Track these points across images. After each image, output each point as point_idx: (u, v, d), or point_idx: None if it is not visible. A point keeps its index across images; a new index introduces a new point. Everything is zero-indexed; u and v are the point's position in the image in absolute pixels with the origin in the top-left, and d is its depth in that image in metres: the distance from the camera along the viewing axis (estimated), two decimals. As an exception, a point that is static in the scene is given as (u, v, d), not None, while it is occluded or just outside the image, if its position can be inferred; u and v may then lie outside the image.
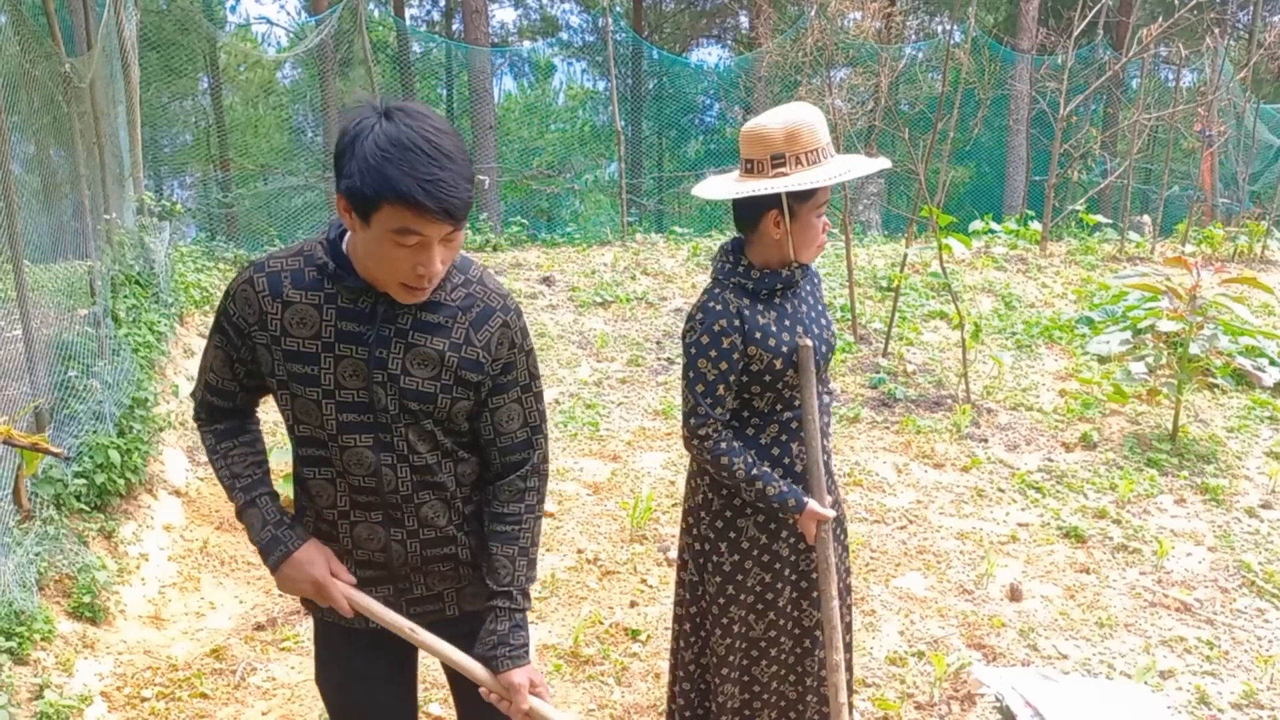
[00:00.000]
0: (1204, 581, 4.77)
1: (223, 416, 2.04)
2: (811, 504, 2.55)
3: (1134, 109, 11.95)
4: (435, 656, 2.00)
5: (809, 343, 2.54)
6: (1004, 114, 16.97)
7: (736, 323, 2.53)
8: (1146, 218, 13.73)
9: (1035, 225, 11.79)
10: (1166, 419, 6.63)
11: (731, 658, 2.82)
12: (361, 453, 1.87)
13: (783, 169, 2.52)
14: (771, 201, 2.52)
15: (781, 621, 2.80)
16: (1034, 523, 5.33)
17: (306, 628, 4.22)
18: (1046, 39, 12.29)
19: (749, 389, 2.59)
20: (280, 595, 4.51)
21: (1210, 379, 7.01)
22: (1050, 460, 6.11)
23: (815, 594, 2.76)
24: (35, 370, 4.49)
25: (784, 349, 2.56)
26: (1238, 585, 4.74)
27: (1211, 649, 4.17)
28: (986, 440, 6.33)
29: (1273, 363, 7.52)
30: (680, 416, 2.74)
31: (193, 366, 6.86)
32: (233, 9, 25.78)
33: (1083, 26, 10.84)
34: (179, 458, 5.63)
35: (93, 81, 5.74)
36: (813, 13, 9.29)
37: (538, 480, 2.06)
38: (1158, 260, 11.43)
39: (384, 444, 1.88)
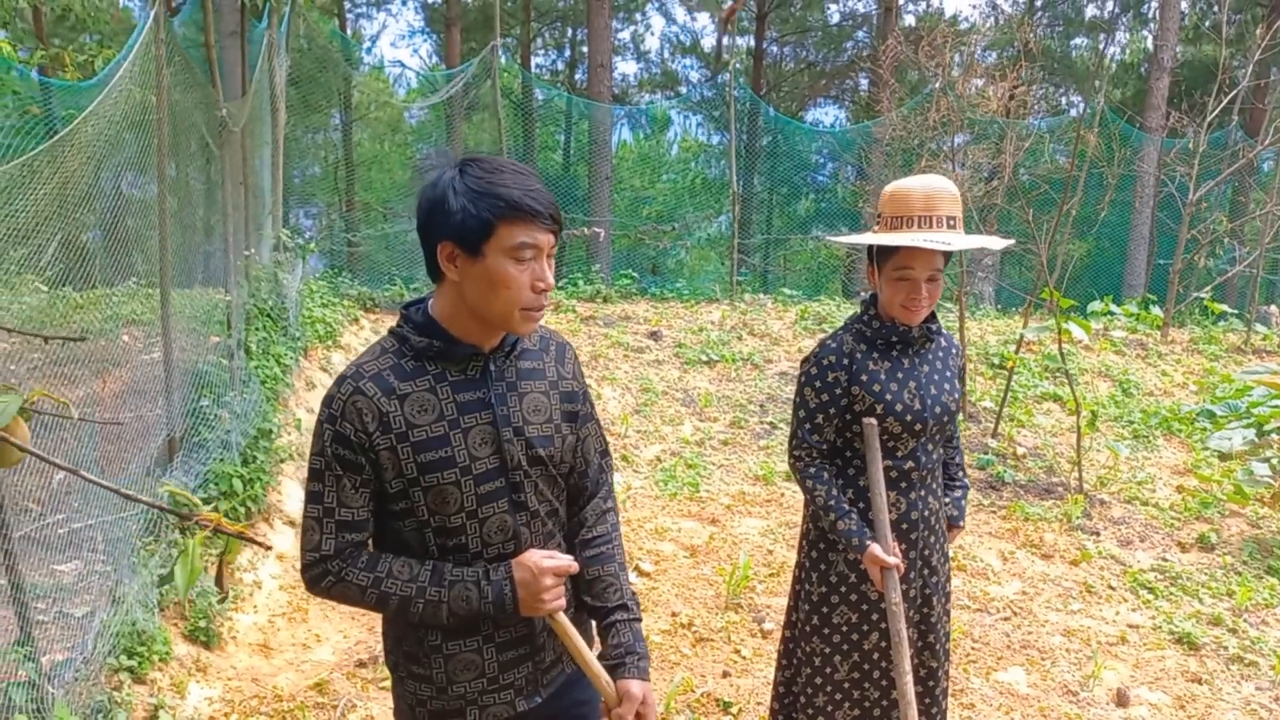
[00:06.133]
0: (1327, 704, 4.53)
1: (359, 551, 1.91)
2: (874, 547, 2.65)
3: (1268, 196, 11.56)
4: (571, 650, 2.00)
5: (873, 422, 2.66)
6: (1128, 191, 16.58)
7: (845, 362, 2.74)
8: (1274, 307, 13.22)
9: (1156, 310, 11.45)
10: (1291, 525, 6.34)
11: (818, 698, 2.91)
12: (502, 519, 1.92)
13: (877, 227, 2.74)
14: (872, 256, 2.76)
15: (866, 667, 2.87)
16: (1144, 625, 5.14)
17: (405, 669, 4.31)
18: (1176, 120, 12.00)
19: (851, 428, 2.76)
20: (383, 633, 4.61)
21: (1341, 486, 6.67)
22: (1165, 560, 5.89)
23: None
24: (171, 398, 4.72)
25: (887, 397, 2.71)
26: (1365, 711, 4.49)
27: (1333, 778, 3.95)
28: (1098, 533, 6.14)
29: None
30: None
31: (314, 399, 7.10)
32: (368, 50, 26.91)
33: (1217, 112, 10.56)
34: (295, 489, 5.82)
35: (244, 125, 6.06)
36: (938, 85, 9.27)
37: (613, 500, 2.17)
38: (1287, 354, 10.98)
39: (517, 504, 1.93)
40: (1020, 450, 7.35)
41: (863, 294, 3.04)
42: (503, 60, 17.07)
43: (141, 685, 3.63)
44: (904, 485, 2.79)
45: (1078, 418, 6.81)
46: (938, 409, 2.78)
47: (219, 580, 1.27)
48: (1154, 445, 7.86)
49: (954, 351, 2.93)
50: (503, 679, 1.98)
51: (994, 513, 6.41)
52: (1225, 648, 4.93)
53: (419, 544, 1.91)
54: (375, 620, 4.79)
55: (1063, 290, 7.97)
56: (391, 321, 8.07)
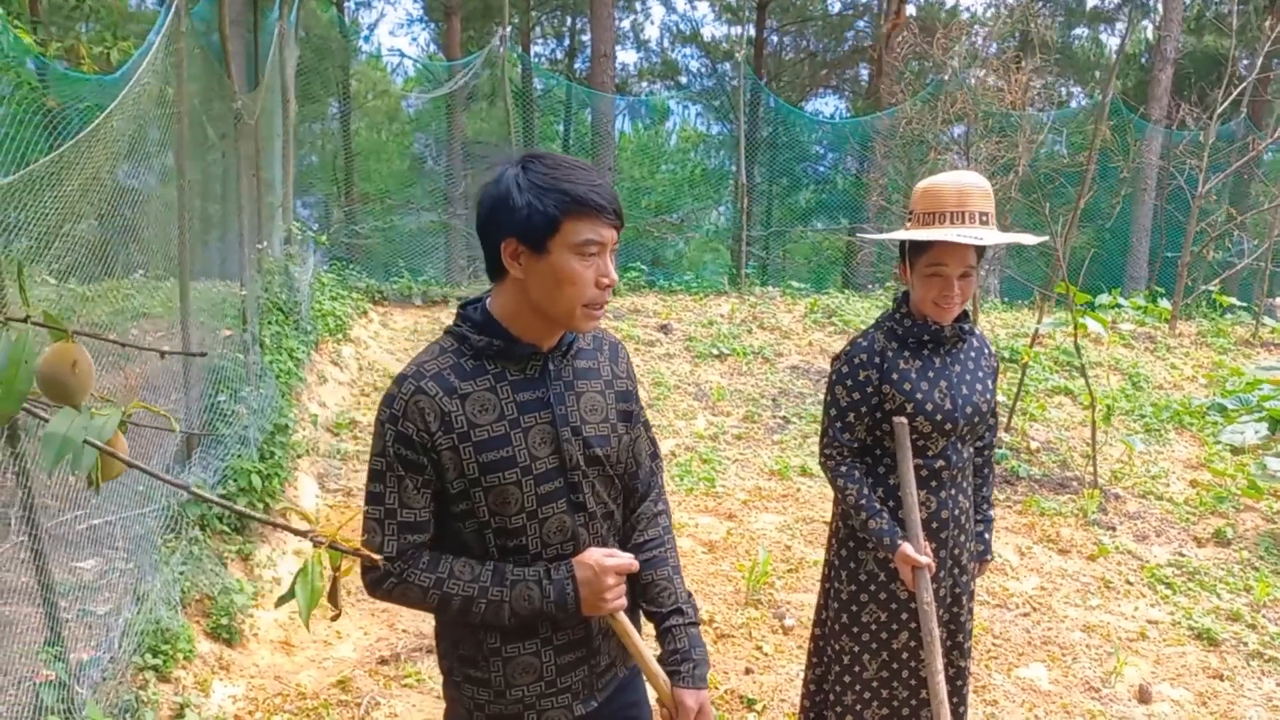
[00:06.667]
0: (1349, 701, 4.53)
1: (420, 552, 1.89)
2: (905, 547, 2.64)
3: (1276, 188, 11.54)
4: (631, 650, 1.99)
5: (903, 420, 2.66)
6: (1113, 181, 16.55)
7: (877, 360, 2.74)
8: (1279, 300, 13.21)
9: (1164, 302, 11.43)
10: (1306, 520, 6.34)
11: (846, 696, 2.93)
12: (561, 519, 1.91)
13: (909, 224, 2.75)
14: (904, 253, 2.76)
15: (895, 666, 2.88)
16: (1164, 620, 5.13)
17: (429, 665, 4.30)
18: (1187, 112, 11.96)
19: (881, 426, 2.76)
20: (404, 630, 4.60)
21: (1355, 481, 6.67)
22: (1182, 555, 5.88)
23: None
24: (189, 394, 4.70)
25: (918, 396, 2.71)
26: (1386, 708, 4.48)
27: (1358, 776, 3.95)
28: (1114, 528, 6.13)
29: None
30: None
31: (326, 393, 7.08)
32: (365, 39, 26.77)
33: (1227, 104, 10.53)
34: (310, 484, 5.80)
35: (258, 116, 6.02)
36: (946, 77, 9.24)
37: (664, 503, 2.16)
38: (1294, 347, 10.97)
39: (576, 504, 1.92)
40: (1034, 445, 7.34)
41: (894, 289, 3.01)
42: (499, 48, 17.01)
43: (166, 684, 3.61)
44: (934, 484, 2.78)
45: (1093, 412, 6.79)
46: (969, 409, 2.78)
47: (332, 598, 1.26)
48: (1165, 439, 7.85)
49: (986, 352, 2.92)
50: (560, 682, 1.98)
51: (1010, 508, 6.40)
52: (1245, 643, 4.92)
53: (479, 545, 1.90)
54: (396, 617, 4.77)
55: (1056, 281, 7.93)
56: (401, 315, 8.02)
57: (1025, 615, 5.06)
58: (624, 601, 1.94)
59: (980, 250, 2.68)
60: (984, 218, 2.62)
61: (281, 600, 1.30)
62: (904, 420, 2.64)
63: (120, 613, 3.63)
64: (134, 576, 3.85)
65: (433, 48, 26.83)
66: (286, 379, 6.21)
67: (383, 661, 4.35)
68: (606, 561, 1.90)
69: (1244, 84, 10.90)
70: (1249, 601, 5.36)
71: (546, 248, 1.78)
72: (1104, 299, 11.28)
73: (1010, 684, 4.42)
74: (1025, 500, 6.36)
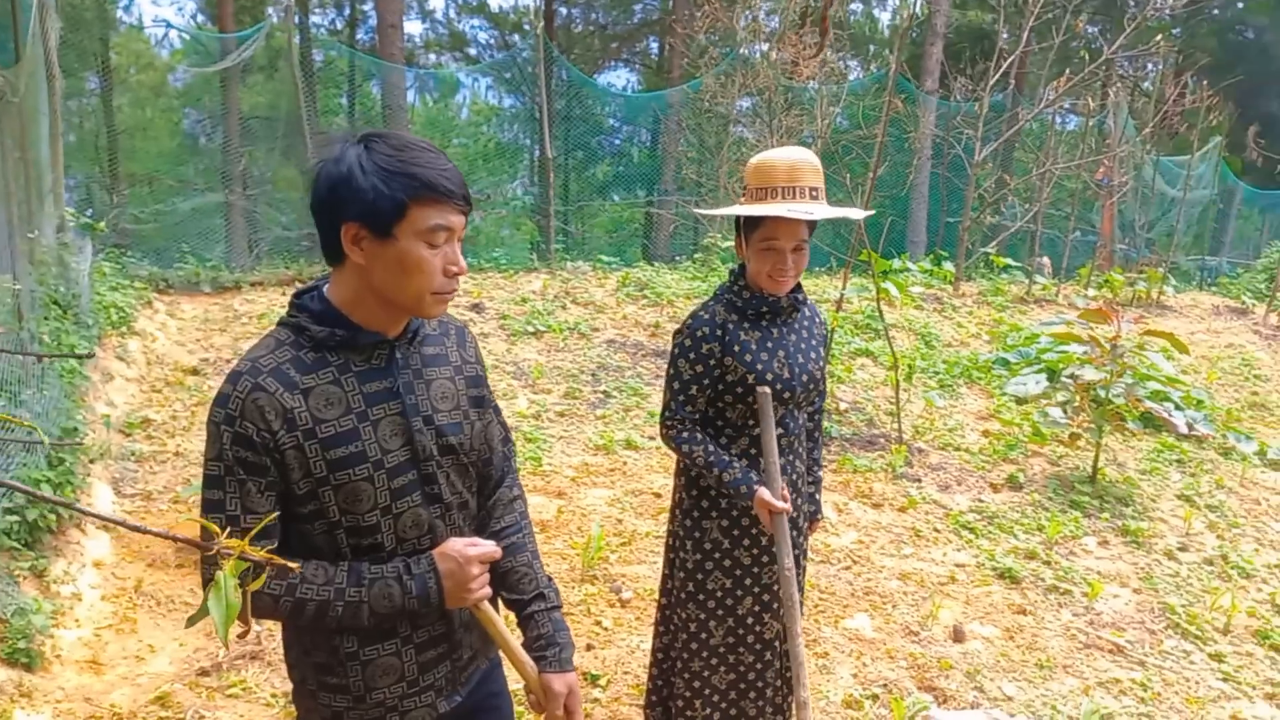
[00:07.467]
0: (1132, 623, 4.98)
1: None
2: (762, 491, 2.70)
3: (1044, 156, 12.47)
4: (497, 640, 1.96)
5: (766, 390, 2.70)
6: (908, 153, 17.53)
7: (719, 333, 2.78)
8: (1045, 259, 14.33)
9: (948, 265, 12.18)
10: (1085, 460, 6.91)
11: (694, 663, 3.00)
12: (416, 513, 1.84)
13: (743, 199, 2.80)
14: (739, 227, 2.82)
15: (741, 631, 2.97)
16: (970, 563, 5.49)
17: (254, 673, 4.10)
18: (954, 82, 12.72)
19: (723, 398, 2.82)
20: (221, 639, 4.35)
21: (1122, 423, 7.33)
22: (980, 501, 6.30)
23: (776, 606, 2.93)
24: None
25: (758, 366, 2.77)
26: (1163, 627, 4.96)
27: (1145, 690, 4.35)
28: (920, 480, 6.50)
29: (1178, 407, 7.91)
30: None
31: (114, 391, 6.60)
32: (126, 8, 24.98)
33: (998, 76, 11.27)
34: (105, 490, 5.40)
35: (22, 94, 5.49)
36: (742, 50, 9.45)
37: (519, 488, 2.14)
38: (1062, 302, 11.92)
39: (431, 496, 1.86)
40: (843, 405, 7.68)
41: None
42: (274, 18, 16.24)
43: (-38, 720, 3.29)
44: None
45: (896, 372, 7.17)
46: (804, 377, 2.87)
47: (243, 613, 1.14)
48: (958, 394, 8.38)
49: (817, 320, 3.03)
50: (423, 680, 1.92)
51: (825, 467, 6.67)
52: (1042, 579, 5.33)
53: (330, 546, 1.80)
54: (213, 626, 4.51)
55: (857, 249, 8.28)
56: (190, 304, 7.53)
57: (847, 568, 5.30)
58: (489, 591, 1.90)
59: (812, 224, 2.75)
60: (814, 193, 2.70)
61: (193, 620, 1.20)
62: (766, 390, 2.69)
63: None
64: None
65: (201, 18, 25.29)
66: (70, 378, 5.73)
67: (203, 673, 4.11)
68: (470, 551, 1.85)
69: (1012, 57, 11.69)
70: (1042, 540, 5.80)
71: (392, 234, 1.69)
72: (896, 264, 11.91)
73: (838, 635, 4.63)
74: (839, 459, 6.65)
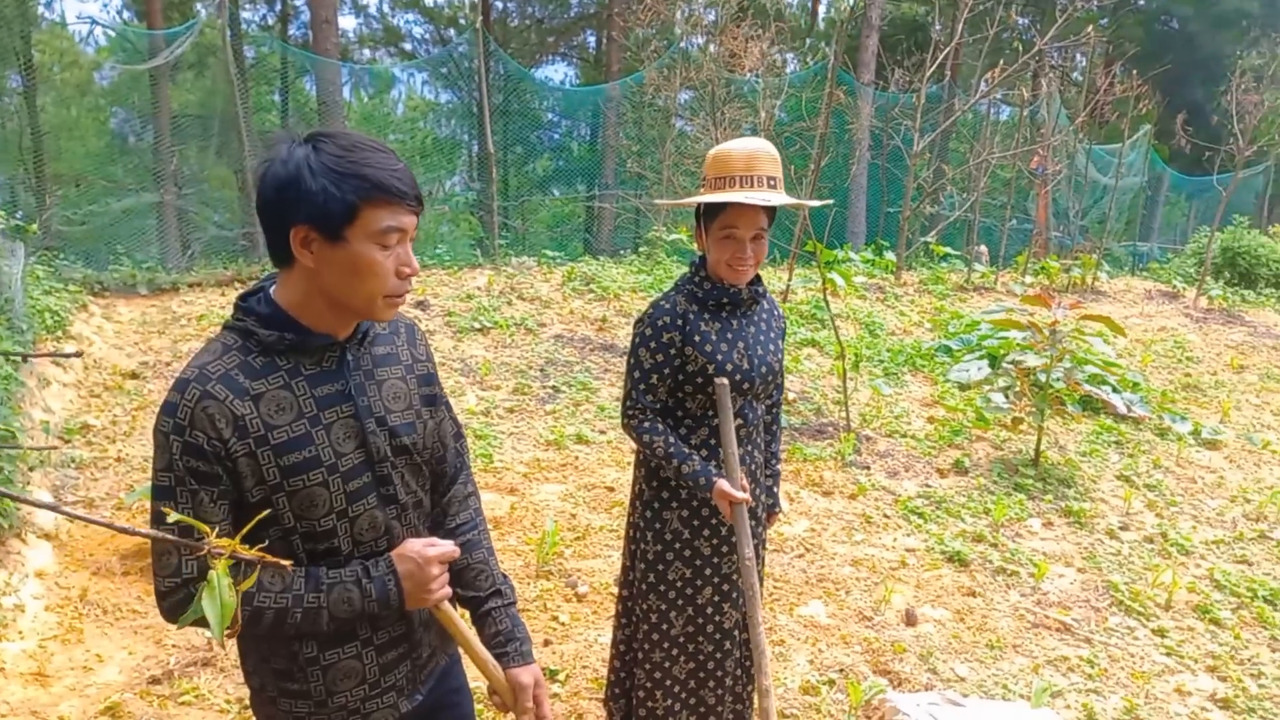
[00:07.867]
0: (1078, 602, 5.10)
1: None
2: (721, 482, 2.72)
3: (980, 146, 12.68)
4: (458, 640, 1.95)
5: (724, 381, 2.72)
6: (845, 143, 17.74)
7: (680, 323, 2.80)
8: (983, 247, 14.58)
9: (890, 255, 12.33)
10: (1027, 444, 7.05)
11: (655, 653, 3.03)
12: (372, 515, 1.82)
13: (702, 189, 2.82)
14: (699, 217, 2.83)
15: (700, 621, 3.00)
16: (920, 548, 5.57)
17: (206, 679, 4.03)
18: (891, 74, 12.87)
19: (683, 388, 2.84)
20: (174, 645, 4.28)
21: (1062, 407, 7.49)
22: (928, 486, 6.40)
23: (736, 596, 2.96)
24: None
25: (718, 357, 2.80)
26: (1108, 605, 5.08)
27: (1092, 667, 4.46)
28: (869, 468, 6.58)
29: (1115, 390, 8.10)
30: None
31: (51, 397, 6.44)
32: (48, 4, 24.31)
33: (934, 68, 11.43)
34: (46, 498, 5.26)
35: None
36: (682, 44, 9.47)
37: (473, 484, 2.14)
38: (1000, 290, 12.14)
39: (387, 498, 1.84)
40: (791, 395, 7.74)
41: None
42: (202, 13, 15.91)
43: (-96, 739, 3.19)
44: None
45: (842, 361, 7.24)
46: (763, 368, 2.90)
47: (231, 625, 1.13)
48: (903, 381, 8.49)
49: (776, 313, 3.07)
50: (384, 682, 1.91)
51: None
52: (990, 561, 5.43)
53: (285, 553, 1.77)
54: (164, 632, 4.42)
55: (800, 240, 8.35)
56: (126, 307, 7.38)
57: (800, 556, 5.35)
58: (449, 591, 1.89)
59: (771, 214, 2.78)
60: (772, 181, 2.72)
61: (185, 621, 1.18)
62: (724, 381, 2.71)
63: None
64: None
65: (128, 14, 24.69)
66: (5, 384, 5.58)
67: (154, 681, 4.03)
68: (429, 552, 1.83)
69: (946, 49, 11.86)
70: (989, 523, 5.90)
71: (343, 236, 1.66)
72: (839, 254, 12.04)
73: (794, 623, 4.67)
74: (790, 448, 6.71)
